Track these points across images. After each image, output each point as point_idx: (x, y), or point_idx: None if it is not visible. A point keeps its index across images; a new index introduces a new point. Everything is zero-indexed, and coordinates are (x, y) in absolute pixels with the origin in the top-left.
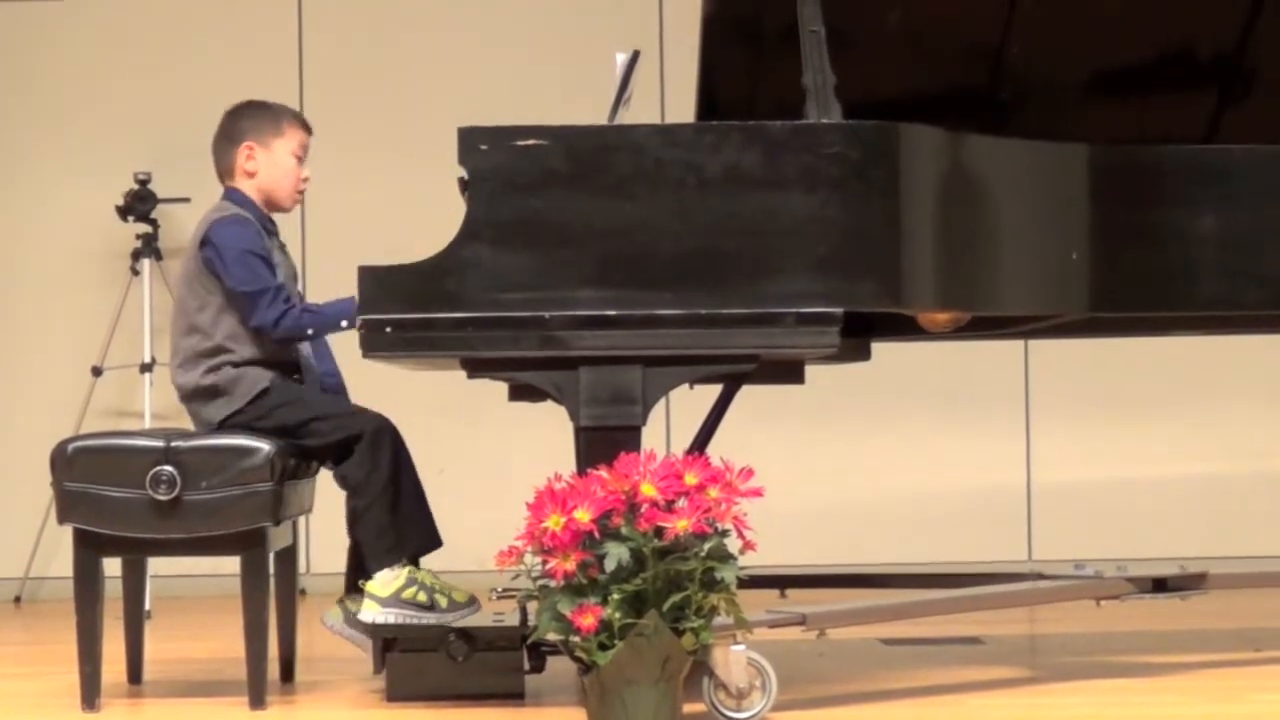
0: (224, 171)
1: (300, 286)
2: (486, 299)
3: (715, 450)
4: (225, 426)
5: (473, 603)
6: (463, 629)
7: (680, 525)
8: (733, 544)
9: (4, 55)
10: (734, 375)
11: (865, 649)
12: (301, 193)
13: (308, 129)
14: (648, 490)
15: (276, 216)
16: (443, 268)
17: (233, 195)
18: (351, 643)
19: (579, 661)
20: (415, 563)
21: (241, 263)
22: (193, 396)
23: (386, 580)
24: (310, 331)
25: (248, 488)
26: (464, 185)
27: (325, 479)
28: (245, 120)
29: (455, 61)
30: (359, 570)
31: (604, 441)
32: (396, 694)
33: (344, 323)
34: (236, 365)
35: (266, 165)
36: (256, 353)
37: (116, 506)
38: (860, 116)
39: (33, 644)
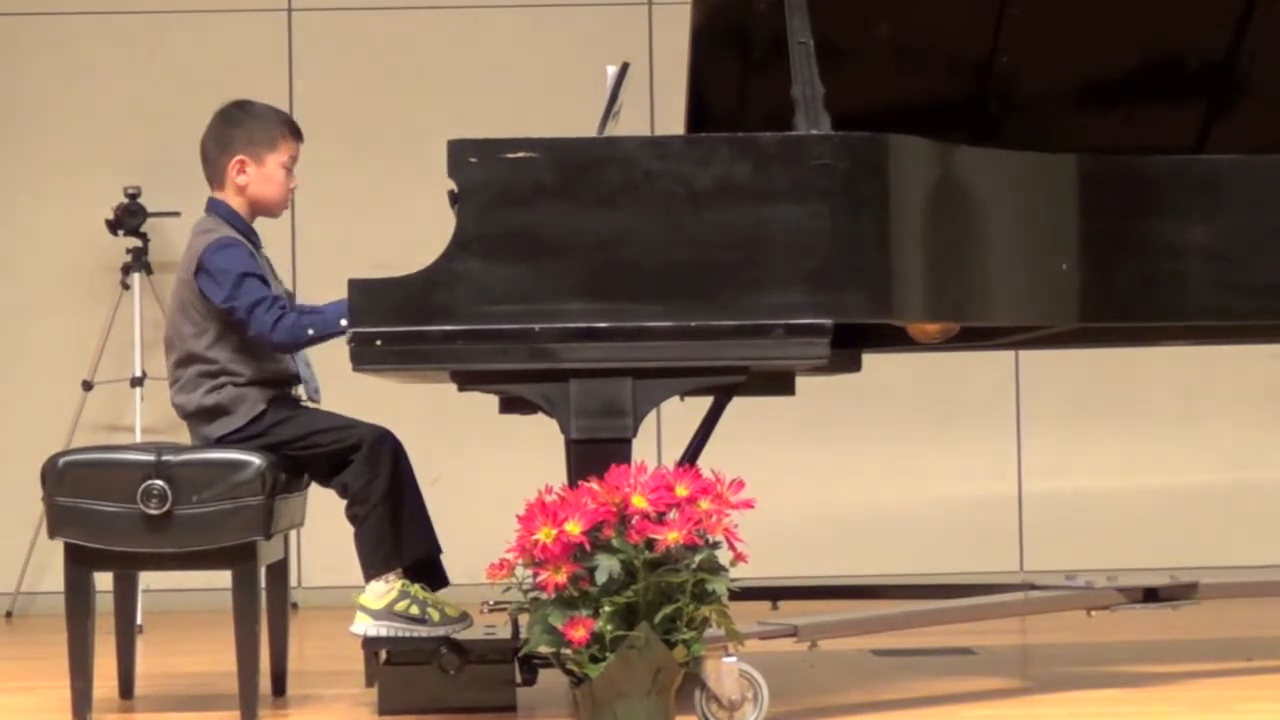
0: (212, 178)
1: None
2: (476, 311)
3: (706, 462)
4: (224, 443)
5: (464, 618)
6: (454, 642)
7: (671, 537)
8: (724, 556)
9: None
10: (724, 387)
11: (857, 660)
12: (289, 201)
13: (299, 136)
14: (638, 502)
15: (263, 227)
16: (432, 280)
17: (217, 208)
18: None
19: (570, 674)
20: (414, 574)
21: (237, 285)
22: (193, 415)
23: (379, 593)
24: (311, 333)
25: (239, 502)
26: (454, 198)
27: (317, 493)
28: (238, 129)
29: (444, 74)
30: None
31: (594, 454)
32: (388, 707)
33: (343, 322)
34: (239, 385)
35: (257, 179)
36: (258, 373)
37: (108, 521)
38: (849, 128)
39: (24, 659)
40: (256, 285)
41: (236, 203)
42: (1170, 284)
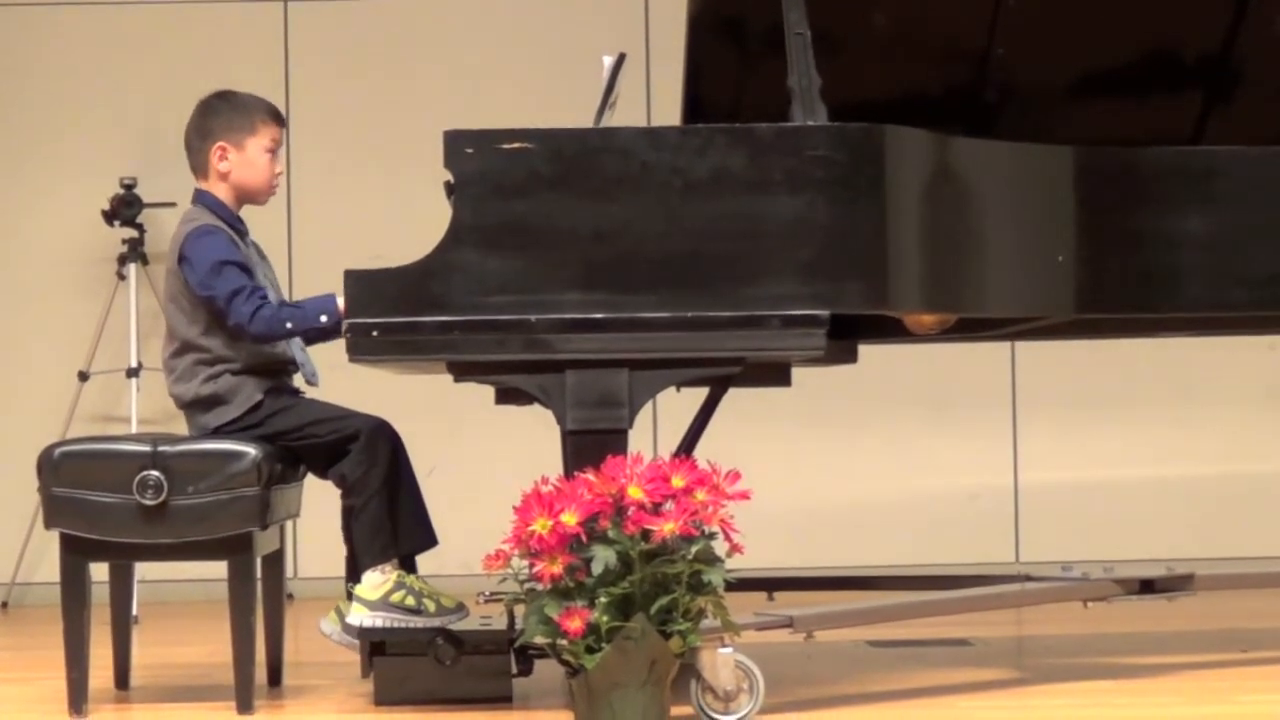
0: (196, 168)
1: (286, 291)
2: (472, 302)
3: (702, 453)
4: (221, 433)
5: (461, 609)
6: (450, 633)
7: (667, 528)
8: (720, 546)
9: None
10: (720, 378)
11: (853, 651)
12: (275, 186)
13: (280, 121)
14: (634, 493)
15: (259, 218)
16: (428, 271)
17: (203, 198)
18: (349, 649)
19: (566, 665)
20: (410, 564)
21: (215, 272)
22: (191, 405)
23: (375, 583)
24: (290, 325)
25: (234, 492)
26: (450, 189)
27: (313, 484)
28: (217, 117)
29: (440, 65)
30: (356, 576)
31: (591, 445)
32: (384, 698)
33: (323, 318)
34: (235, 374)
35: (240, 165)
36: (253, 359)
37: (103, 511)
38: (846, 119)
39: (20, 649)
40: (234, 274)
41: (221, 191)
42: (1167, 275)
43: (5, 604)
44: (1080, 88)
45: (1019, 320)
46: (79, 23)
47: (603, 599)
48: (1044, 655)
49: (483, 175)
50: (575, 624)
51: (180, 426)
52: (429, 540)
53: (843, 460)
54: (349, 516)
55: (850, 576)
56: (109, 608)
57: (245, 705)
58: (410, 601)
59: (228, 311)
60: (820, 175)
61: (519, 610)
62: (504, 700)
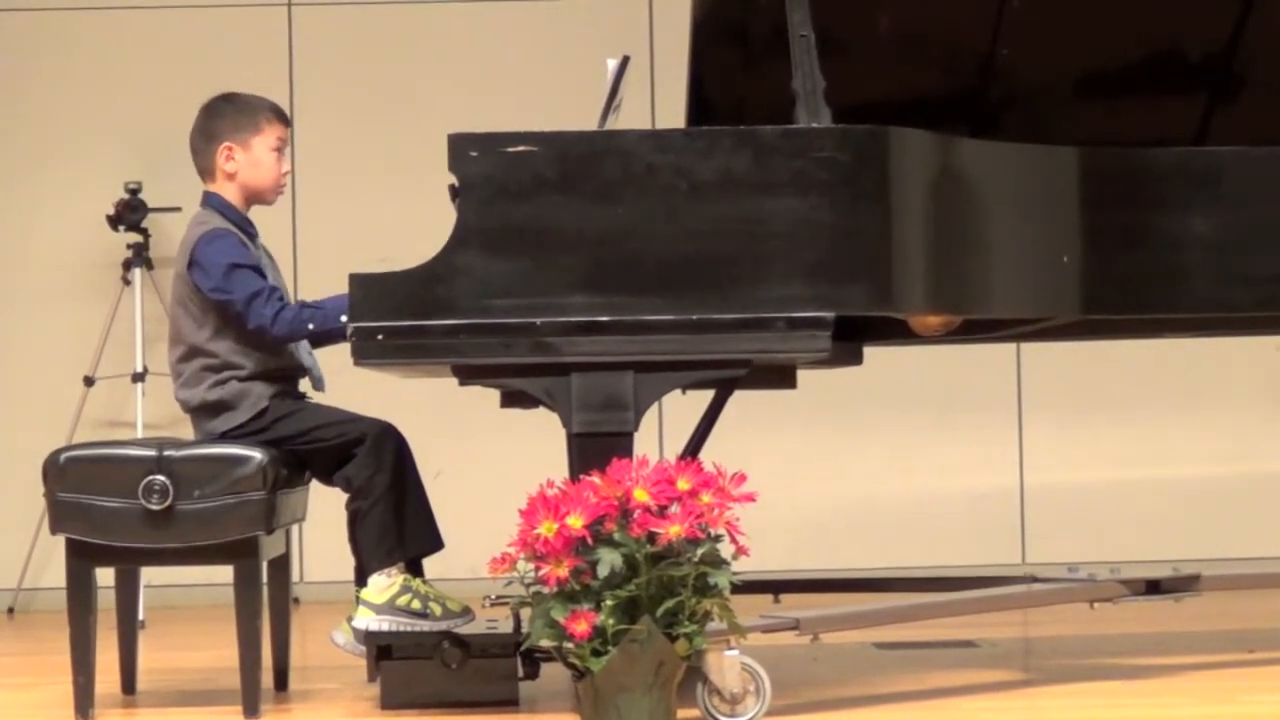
0: (203, 170)
1: (292, 295)
2: (477, 306)
3: (708, 455)
4: (227, 438)
5: (467, 612)
6: (456, 636)
7: (673, 531)
8: (726, 549)
9: None
10: (726, 380)
11: (859, 653)
12: (283, 185)
13: (285, 120)
14: (640, 496)
15: (264, 221)
16: (434, 275)
17: (212, 200)
18: (364, 659)
19: (573, 668)
20: (416, 567)
21: (228, 276)
22: (197, 410)
23: (381, 587)
24: (311, 327)
25: (240, 496)
26: (455, 192)
27: (318, 488)
28: (221, 119)
29: (445, 68)
30: (364, 581)
31: (596, 447)
32: (391, 702)
33: (343, 317)
34: (242, 380)
35: (246, 165)
36: (260, 366)
37: (109, 516)
38: (850, 120)
39: (26, 654)
40: (250, 277)
41: (229, 192)
42: (1172, 275)
43: (11, 609)
44: (1084, 88)
45: (1024, 321)
46: (83, 27)
47: (609, 602)
48: (1050, 656)
49: (487, 178)
50: (581, 627)
51: (186, 431)
52: (435, 544)
53: (848, 462)
54: (355, 520)
55: (856, 578)
56: (115, 613)
57: (252, 710)
58: (416, 605)
59: (247, 315)
60: (825, 177)
61: (525, 613)
62: (510, 704)
